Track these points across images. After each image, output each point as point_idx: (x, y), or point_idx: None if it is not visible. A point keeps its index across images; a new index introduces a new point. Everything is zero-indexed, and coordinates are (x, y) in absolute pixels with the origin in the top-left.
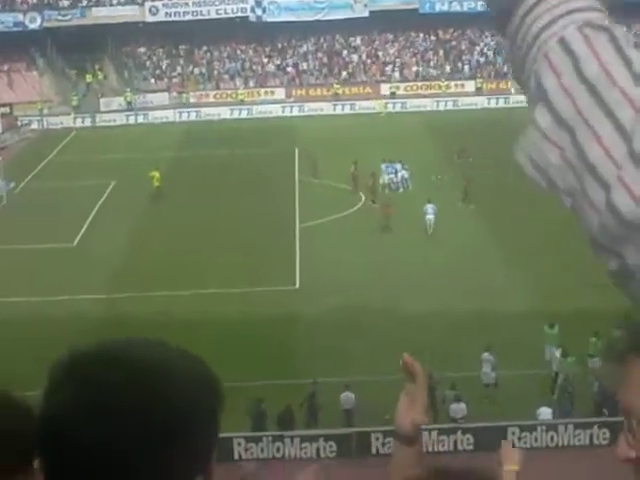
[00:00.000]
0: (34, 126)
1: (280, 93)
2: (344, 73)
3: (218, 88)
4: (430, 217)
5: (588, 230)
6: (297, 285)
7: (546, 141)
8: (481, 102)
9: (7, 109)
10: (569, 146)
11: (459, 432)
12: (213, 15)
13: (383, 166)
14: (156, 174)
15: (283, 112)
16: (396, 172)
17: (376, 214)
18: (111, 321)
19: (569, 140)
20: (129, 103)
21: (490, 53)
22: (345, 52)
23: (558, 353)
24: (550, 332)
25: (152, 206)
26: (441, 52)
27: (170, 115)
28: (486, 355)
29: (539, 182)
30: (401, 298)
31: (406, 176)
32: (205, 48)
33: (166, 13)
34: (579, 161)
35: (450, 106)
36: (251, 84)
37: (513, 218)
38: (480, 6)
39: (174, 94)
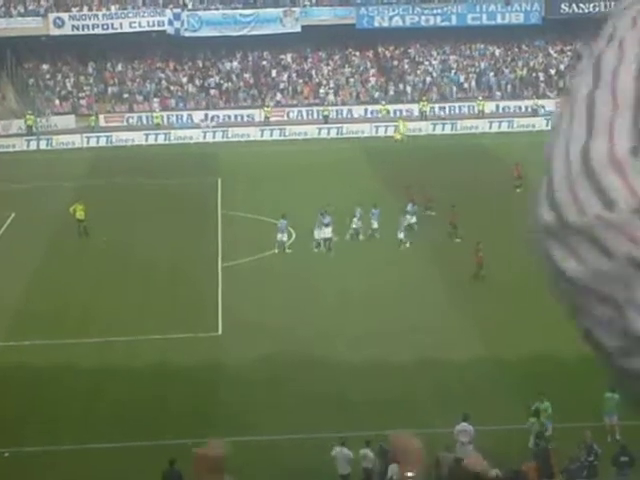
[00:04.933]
0: None
1: (201, 116)
2: (273, 94)
3: (132, 110)
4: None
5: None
6: (219, 331)
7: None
8: (425, 127)
9: None
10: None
11: None
12: (126, 29)
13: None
14: (79, 207)
15: (205, 138)
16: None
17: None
18: (5, 372)
19: None
20: (30, 127)
21: (436, 73)
22: (274, 71)
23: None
24: (612, 397)
25: (56, 242)
26: (381, 72)
27: (77, 140)
28: (464, 425)
29: None
30: (334, 345)
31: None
32: (117, 65)
33: (73, 26)
34: None
35: (390, 132)
36: (169, 106)
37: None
38: (424, 21)
39: (81, 117)
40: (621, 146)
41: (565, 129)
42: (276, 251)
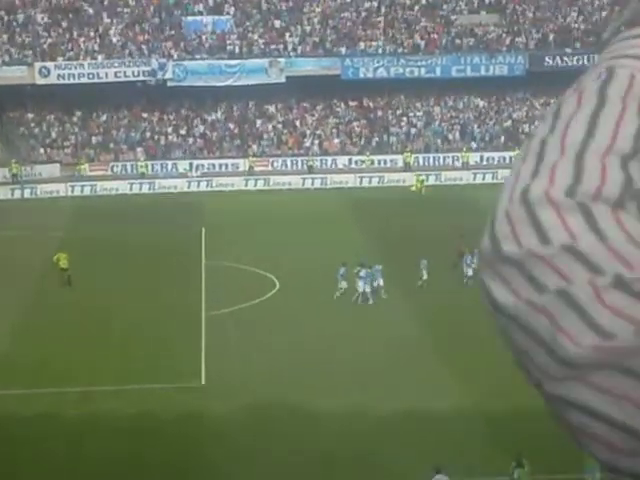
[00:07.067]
0: None
1: (186, 166)
2: (257, 144)
3: (116, 159)
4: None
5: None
6: (203, 381)
7: None
8: (410, 179)
9: None
10: None
11: None
12: (111, 78)
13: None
14: (62, 255)
15: (189, 187)
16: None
17: None
18: None
19: None
20: (15, 175)
21: (420, 124)
22: (259, 121)
23: None
24: None
25: (39, 291)
26: (366, 122)
27: (61, 189)
28: (440, 477)
29: None
30: (319, 398)
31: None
32: (102, 115)
33: (58, 75)
34: None
35: (375, 183)
36: (154, 155)
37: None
38: (409, 73)
39: (66, 166)
40: (559, 187)
41: (517, 168)
42: (359, 301)
